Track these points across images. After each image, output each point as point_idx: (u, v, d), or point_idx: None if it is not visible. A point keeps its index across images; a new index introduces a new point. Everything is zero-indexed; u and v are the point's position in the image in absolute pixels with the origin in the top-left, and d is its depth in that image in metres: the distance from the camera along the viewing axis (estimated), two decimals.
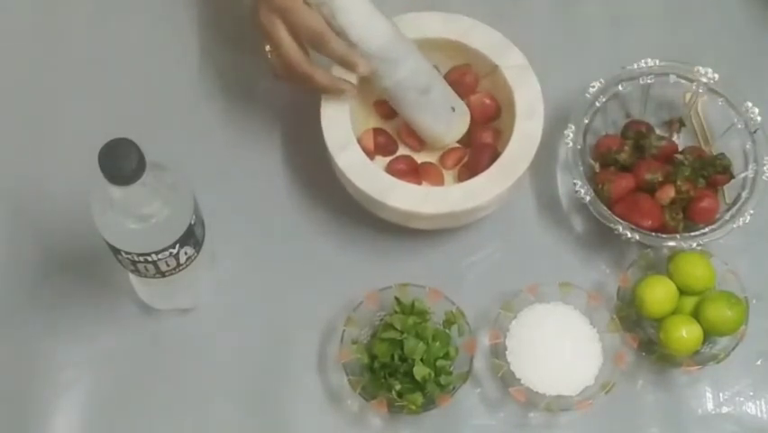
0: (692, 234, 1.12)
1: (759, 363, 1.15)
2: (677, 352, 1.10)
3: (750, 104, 1.16)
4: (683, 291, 1.12)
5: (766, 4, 1.28)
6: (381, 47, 1.06)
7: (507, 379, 1.10)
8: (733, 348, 1.10)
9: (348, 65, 1.05)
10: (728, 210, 1.14)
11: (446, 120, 1.14)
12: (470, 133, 1.17)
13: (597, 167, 1.16)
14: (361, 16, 1.04)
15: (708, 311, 1.10)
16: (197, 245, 1.03)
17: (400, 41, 1.07)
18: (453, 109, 1.13)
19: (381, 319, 1.12)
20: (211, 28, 1.27)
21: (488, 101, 1.17)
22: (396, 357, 1.08)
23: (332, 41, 1.03)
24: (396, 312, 1.10)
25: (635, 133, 1.18)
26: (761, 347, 1.14)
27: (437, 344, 1.09)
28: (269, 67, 1.07)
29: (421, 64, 1.10)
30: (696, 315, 1.11)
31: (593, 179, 1.15)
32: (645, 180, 1.14)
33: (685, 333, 1.09)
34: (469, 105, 1.17)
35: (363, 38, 1.05)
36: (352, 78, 1.10)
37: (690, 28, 1.28)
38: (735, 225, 1.12)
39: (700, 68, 1.17)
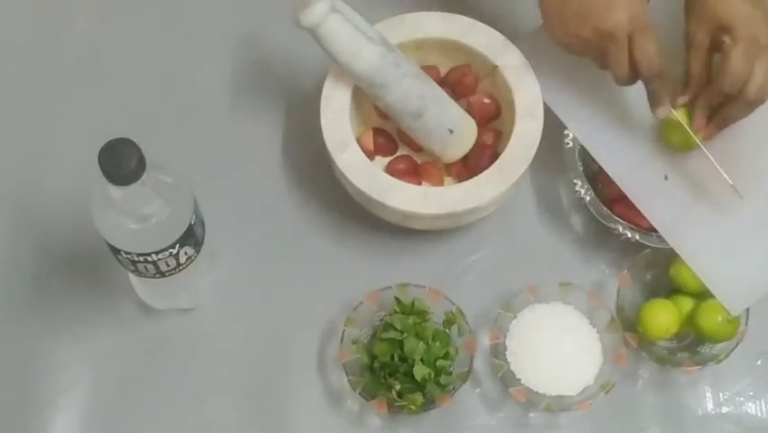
0: None
1: (759, 363, 1.15)
2: (653, 337, 1.10)
3: None
4: (683, 291, 1.12)
5: None
6: (364, 72, 1.06)
7: (507, 379, 1.10)
8: (733, 348, 1.10)
9: (659, 101, 1.08)
10: None
11: (442, 142, 1.13)
12: None
13: (597, 167, 1.16)
14: (347, 44, 1.05)
15: (702, 321, 1.09)
16: (197, 245, 1.03)
17: (390, 68, 1.07)
18: (451, 131, 1.13)
19: (381, 319, 1.12)
20: (211, 28, 1.27)
21: (487, 101, 1.17)
22: (396, 357, 1.08)
23: (663, 77, 1.06)
24: (396, 312, 1.10)
25: None
26: (761, 347, 1.14)
27: (437, 344, 1.09)
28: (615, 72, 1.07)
29: (413, 90, 1.09)
30: (691, 319, 1.11)
31: (593, 179, 1.15)
32: None
33: (662, 319, 1.10)
34: (469, 105, 1.17)
35: (347, 63, 1.06)
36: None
37: None
38: None
39: None
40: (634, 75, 1.06)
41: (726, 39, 1.04)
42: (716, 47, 1.06)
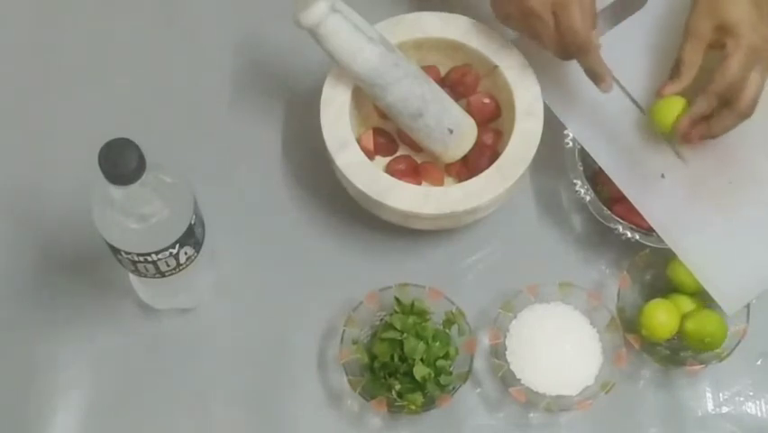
0: None
1: (759, 363, 1.15)
2: (656, 337, 1.10)
3: None
4: (681, 290, 1.13)
5: None
6: (364, 72, 1.07)
7: (507, 379, 1.10)
8: (735, 345, 1.10)
9: (596, 77, 1.08)
10: None
11: (442, 142, 1.13)
12: None
13: (597, 167, 1.16)
14: (347, 44, 1.05)
15: (695, 330, 1.10)
16: (197, 245, 1.03)
17: (390, 68, 1.07)
18: (451, 131, 1.13)
19: (381, 319, 1.12)
20: (211, 28, 1.27)
21: (487, 101, 1.17)
22: (396, 357, 1.08)
23: (591, 53, 1.06)
24: (396, 312, 1.10)
25: None
26: (761, 347, 1.14)
27: (437, 344, 1.09)
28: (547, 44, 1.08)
29: (413, 90, 1.09)
30: (684, 323, 1.11)
31: (593, 179, 1.15)
32: None
33: (662, 319, 1.10)
34: (469, 105, 1.17)
35: (347, 63, 1.06)
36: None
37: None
38: None
39: None
40: (565, 50, 1.07)
41: (730, 42, 1.04)
42: (714, 44, 1.06)
